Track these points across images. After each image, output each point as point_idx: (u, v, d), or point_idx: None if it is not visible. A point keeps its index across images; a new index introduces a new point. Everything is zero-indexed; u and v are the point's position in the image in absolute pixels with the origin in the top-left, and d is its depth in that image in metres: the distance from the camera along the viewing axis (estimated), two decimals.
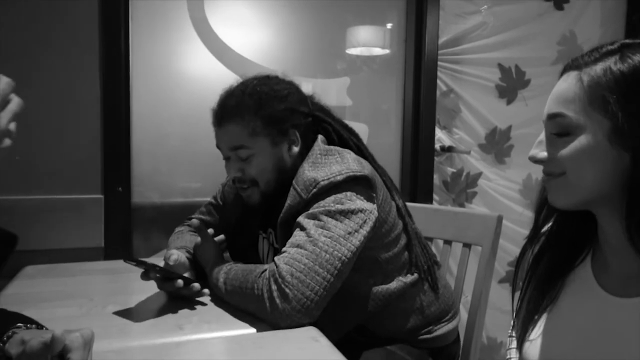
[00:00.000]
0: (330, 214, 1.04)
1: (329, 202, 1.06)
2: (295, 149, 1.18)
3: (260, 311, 0.99)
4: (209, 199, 1.45)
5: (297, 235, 1.04)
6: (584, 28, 2.42)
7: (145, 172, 1.81)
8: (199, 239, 1.33)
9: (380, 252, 1.15)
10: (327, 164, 1.12)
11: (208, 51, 1.86)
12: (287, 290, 0.96)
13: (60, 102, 1.63)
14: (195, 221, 1.26)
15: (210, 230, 1.30)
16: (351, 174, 1.08)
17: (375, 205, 1.11)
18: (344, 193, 1.07)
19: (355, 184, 1.09)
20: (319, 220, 1.04)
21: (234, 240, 1.33)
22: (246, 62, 1.90)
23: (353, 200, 1.07)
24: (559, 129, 0.69)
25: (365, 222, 1.06)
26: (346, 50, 2.08)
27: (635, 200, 0.64)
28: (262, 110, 1.13)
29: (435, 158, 2.18)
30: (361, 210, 1.06)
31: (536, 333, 0.78)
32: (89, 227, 1.66)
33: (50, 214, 1.62)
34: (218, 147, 1.20)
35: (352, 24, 2.08)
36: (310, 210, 1.06)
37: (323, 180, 1.07)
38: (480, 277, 1.40)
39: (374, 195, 1.12)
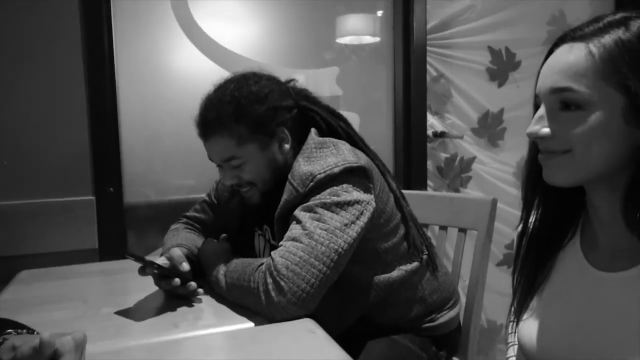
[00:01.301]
0: (326, 206, 1.04)
1: (325, 195, 1.05)
2: (286, 146, 1.17)
3: (256, 305, 0.99)
4: (203, 195, 1.44)
5: (293, 229, 1.03)
6: (573, 7, 2.41)
7: (136, 171, 1.79)
8: (194, 235, 1.33)
9: (379, 242, 1.14)
10: (322, 156, 1.10)
11: (194, 47, 1.84)
12: (282, 283, 0.95)
13: (46, 105, 1.61)
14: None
15: (224, 236, 1.30)
16: (347, 165, 1.07)
17: (372, 196, 1.10)
18: (340, 185, 1.06)
19: (352, 175, 1.08)
20: (315, 212, 1.03)
21: (231, 238, 1.33)
22: (234, 56, 1.88)
23: (349, 192, 1.06)
24: (567, 104, 0.66)
25: (362, 213, 1.06)
26: (335, 40, 2.07)
27: None
28: (244, 116, 1.11)
29: (428, 144, 2.17)
30: (358, 202, 1.06)
31: (529, 313, 0.78)
32: (82, 229, 1.65)
33: (42, 218, 1.60)
34: (210, 158, 1.19)
35: (340, 12, 2.06)
36: (306, 203, 1.05)
37: (320, 174, 1.06)
38: (476, 261, 1.40)
39: (371, 185, 1.11)
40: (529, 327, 0.77)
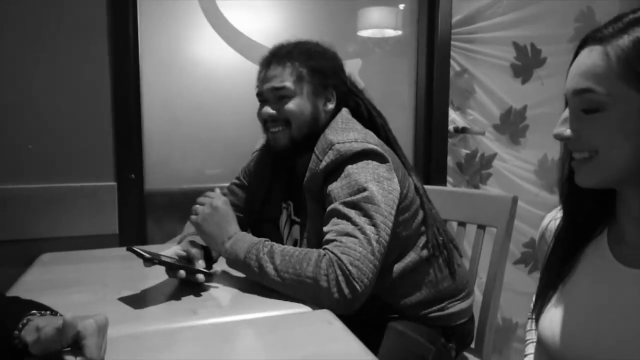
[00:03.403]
0: (367, 199, 1.06)
1: (361, 175, 1.08)
2: (330, 107, 1.22)
3: (322, 300, 0.99)
4: (224, 184, 1.44)
5: (341, 224, 1.05)
6: (602, 3, 2.35)
7: (157, 159, 1.81)
8: None
9: (399, 227, 1.16)
10: (346, 129, 1.16)
11: (218, 36, 1.84)
12: (351, 279, 0.97)
13: (70, 91, 1.63)
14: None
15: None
16: (367, 145, 1.11)
17: (397, 180, 1.13)
18: (363, 161, 1.10)
19: (371, 152, 1.11)
20: (360, 209, 1.05)
21: (261, 212, 1.35)
22: (257, 46, 1.88)
23: (390, 179, 1.10)
24: (588, 105, 0.66)
25: (394, 202, 1.10)
26: (358, 32, 2.05)
27: None
28: (311, 61, 1.20)
29: (449, 140, 2.15)
30: (390, 192, 1.09)
31: (551, 305, 0.78)
32: (104, 214, 1.67)
33: (64, 202, 1.63)
34: (259, 92, 1.23)
35: (363, 5, 2.04)
36: (346, 199, 1.06)
37: (338, 143, 1.11)
38: (495, 258, 1.40)
39: (390, 163, 1.15)
40: (549, 320, 0.77)
